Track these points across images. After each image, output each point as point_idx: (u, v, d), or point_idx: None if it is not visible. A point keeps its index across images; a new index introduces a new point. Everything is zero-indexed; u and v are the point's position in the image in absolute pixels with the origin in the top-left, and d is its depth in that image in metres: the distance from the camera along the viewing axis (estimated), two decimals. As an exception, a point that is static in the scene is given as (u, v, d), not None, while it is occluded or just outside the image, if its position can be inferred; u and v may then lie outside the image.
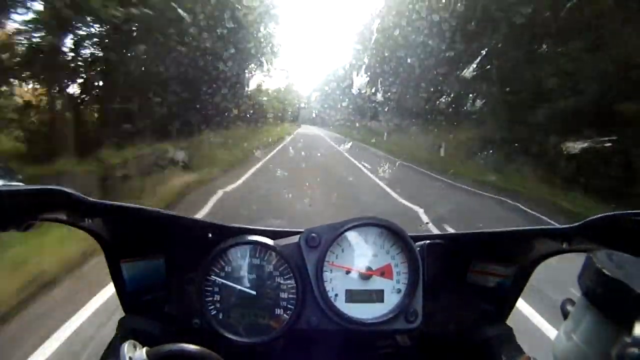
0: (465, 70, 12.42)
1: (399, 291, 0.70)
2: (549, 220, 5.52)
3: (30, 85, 7.69)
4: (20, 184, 0.50)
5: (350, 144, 18.14)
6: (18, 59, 6.98)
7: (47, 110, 7.48)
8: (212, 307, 0.67)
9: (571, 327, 0.42)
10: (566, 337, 0.42)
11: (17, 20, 6.55)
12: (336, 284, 0.70)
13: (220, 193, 6.21)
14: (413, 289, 0.69)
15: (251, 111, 15.56)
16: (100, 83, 8.66)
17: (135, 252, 0.72)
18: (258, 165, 9.75)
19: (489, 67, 11.52)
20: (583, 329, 0.40)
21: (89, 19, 7.29)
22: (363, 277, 0.70)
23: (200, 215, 4.95)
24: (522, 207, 6.56)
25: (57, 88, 7.54)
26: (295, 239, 0.71)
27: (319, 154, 14.03)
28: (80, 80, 8.21)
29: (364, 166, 10.87)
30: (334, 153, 15.56)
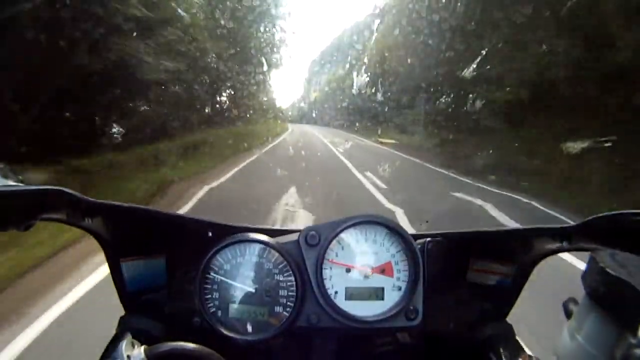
0: (465, 70, 12.41)
1: (399, 289, 0.70)
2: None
3: None
4: (20, 184, 0.50)
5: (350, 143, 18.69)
6: None
7: None
8: (211, 305, 0.67)
9: (575, 327, 0.41)
10: (570, 336, 0.41)
11: None
12: (336, 282, 0.69)
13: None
14: (413, 287, 0.69)
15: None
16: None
17: (135, 252, 0.72)
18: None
19: (488, 67, 11.53)
20: (587, 329, 0.40)
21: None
22: (363, 274, 0.70)
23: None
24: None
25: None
26: (294, 236, 0.71)
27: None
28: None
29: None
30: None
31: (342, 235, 0.70)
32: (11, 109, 6.21)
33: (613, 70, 7.70)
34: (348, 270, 0.70)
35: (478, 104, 12.21)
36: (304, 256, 0.69)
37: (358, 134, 24.96)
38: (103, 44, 7.13)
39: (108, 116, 9.00)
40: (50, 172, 5.89)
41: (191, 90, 12.25)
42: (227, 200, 6.04)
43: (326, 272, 0.69)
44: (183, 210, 5.13)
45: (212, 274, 0.67)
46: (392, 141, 19.45)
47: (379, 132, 21.51)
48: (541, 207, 6.58)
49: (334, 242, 0.69)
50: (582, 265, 0.42)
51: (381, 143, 19.62)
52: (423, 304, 0.70)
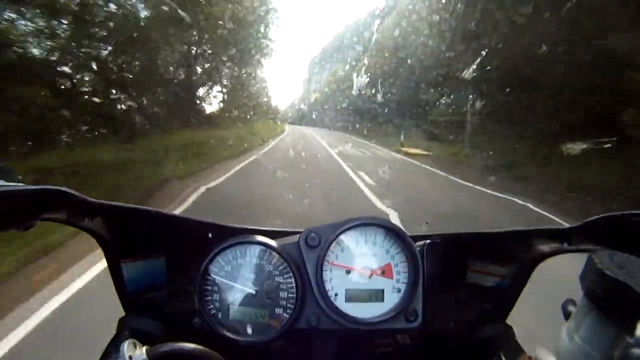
0: (465, 71, 12.34)
1: (399, 290, 0.70)
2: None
3: None
4: (20, 184, 0.50)
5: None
6: None
7: None
8: (211, 306, 0.67)
9: (573, 328, 0.42)
10: (568, 337, 0.42)
11: None
12: (336, 284, 0.70)
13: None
14: (413, 289, 0.69)
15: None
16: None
17: (135, 252, 0.72)
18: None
19: (488, 67, 11.39)
20: (585, 330, 0.40)
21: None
22: (363, 276, 0.70)
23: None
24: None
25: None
26: (295, 238, 0.71)
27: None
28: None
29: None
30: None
31: (342, 237, 0.70)
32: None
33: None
34: (348, 272, 0.70)
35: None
36: (304, 258, 0.69)
37: (369, 139, 19.99)
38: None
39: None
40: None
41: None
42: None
43: (326, 274, 0.69)
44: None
45: (212, 275, 0.68)
46: (423, 152, 14.55)
47: (402, 138, 17.10)
48: None
49: (334, 244, 0.69)
50: (580, 267, 0.42)
51: (408, 155, 14.57)
52: (423, 306, 0.70)
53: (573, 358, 0.40)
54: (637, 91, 7.19)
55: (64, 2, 7.51)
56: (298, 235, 0.71)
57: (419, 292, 0.70)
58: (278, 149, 14.29)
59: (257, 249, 0.69)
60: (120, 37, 8.97)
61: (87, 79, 9.12)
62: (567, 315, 0.45)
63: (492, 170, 9.67)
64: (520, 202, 7.11)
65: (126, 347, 0.51)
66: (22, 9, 7.03)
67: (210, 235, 0.74)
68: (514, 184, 8.51)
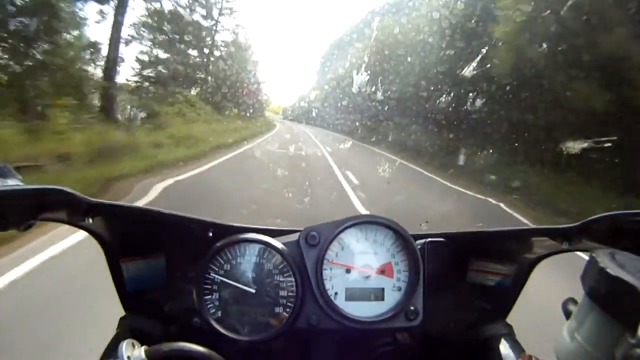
0: (465, 69, 12.31)
1: (399, 289, 0.70)
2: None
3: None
4: (20, 183, 0.50)
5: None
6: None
7: None
8: (211, 305, 0.67)
9: (574, 327, 0.41)
10: (569, 336, 0.42)
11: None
12: (336, 282, 0.69)
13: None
14: (413, 287, 0.69)
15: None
16: None
17: (135, 252, 0.72)
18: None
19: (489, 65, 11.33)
20: (586, 329, 0.40)
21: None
22: (363, 275, 0.70)
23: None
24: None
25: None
26: (294, 237, 0.71)
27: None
28: None
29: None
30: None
31: (342, 235, 0.70)
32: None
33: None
34: (348, 271, 0.70)
35: None
36: (304, 256, 0.69)
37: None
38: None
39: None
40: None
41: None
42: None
43: (326, 273, 0.69)
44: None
45: (212, 274, 0.67)
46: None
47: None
48: None
49: (334, 242, 0.69)
50: (580, 266, 0.42)
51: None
52: (423, 305, 0.70)
53: (574, 357, 0.40)
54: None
55: None
56: (298, 234, 0.70)
57: (419, 291, 0.70)
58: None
59: (256, 247, 0.69)
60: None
61: None
62: (567, 314, 0.45)
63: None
64: None
65: (124, 347, 0.51)
66: None
67: (210, 234, 0.74)
68: None
